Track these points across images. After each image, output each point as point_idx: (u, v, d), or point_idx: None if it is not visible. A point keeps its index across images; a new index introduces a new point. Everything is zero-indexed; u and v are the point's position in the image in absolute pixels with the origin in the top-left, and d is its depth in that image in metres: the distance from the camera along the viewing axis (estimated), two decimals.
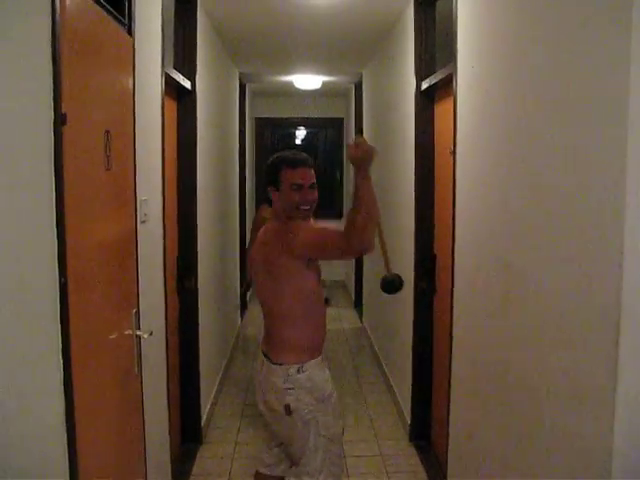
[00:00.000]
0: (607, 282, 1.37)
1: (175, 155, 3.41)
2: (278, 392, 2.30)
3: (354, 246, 2.07)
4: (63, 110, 1.47)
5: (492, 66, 2.22)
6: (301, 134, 9.07)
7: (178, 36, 3.42)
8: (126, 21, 2.08)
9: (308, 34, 4.59)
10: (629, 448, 1.35)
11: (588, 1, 1.51)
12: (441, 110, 3.31)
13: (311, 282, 2.35)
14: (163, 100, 2.65)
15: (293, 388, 2.28)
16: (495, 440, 2.17)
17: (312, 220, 2.42)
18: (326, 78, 6.59)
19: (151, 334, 2.16)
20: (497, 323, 2.15)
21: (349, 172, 7.62)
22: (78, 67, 1.62)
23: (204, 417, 3.80)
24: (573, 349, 1.55)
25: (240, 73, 6.24)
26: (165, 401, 2.76)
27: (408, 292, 3.52)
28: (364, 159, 2.09)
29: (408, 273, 3.51)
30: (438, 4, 3.45)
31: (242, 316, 6.43)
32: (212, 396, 4.18)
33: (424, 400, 3.65)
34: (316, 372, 2.33)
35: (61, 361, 1.49)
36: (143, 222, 2.32)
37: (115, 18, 1.98)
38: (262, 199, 3.32)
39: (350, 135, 7.73)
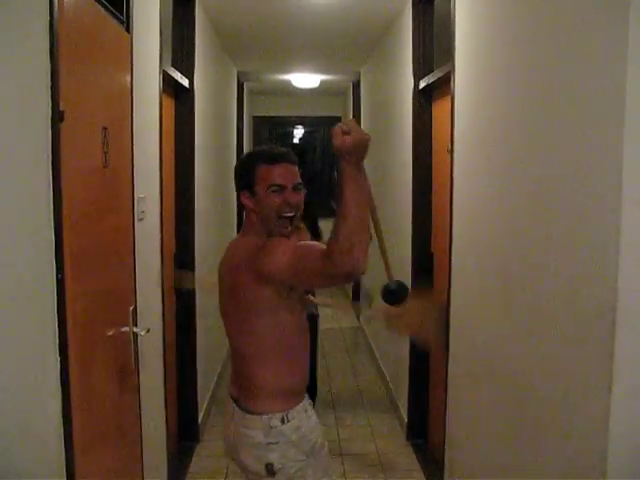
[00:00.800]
0: (603, 281, 1.37)
1: (173, 153, 3.41)
2: (257, 448, 1.85)
3: (338, 267, 1.53)
4: (61, 107, 1.47)
5: (490, 65, 2.23)
6: (299, 133, 9.08)
7: (176, 34, 3.42)
8: (124, 18, 2.08)
9: (306, 32, 4.59)
10: (624, 448, 1.35)
11: (585, 0, 1.51)
12: (439, 109, 3.31)
13: (290, 315, 1.86)
14: (161, 98, 2.65)
15: (277, 442, 1.83)
16: (492, 439, 2.17)
17: (298, 235, 1.94)
18: (324, 77, 6.60)
19: (148, 331, 2.16)
20: (494, 321, 2.15)
21: None
22: (76, 64, 1.62)
23: (201, 415, 3.79)
24: (569, 348, 1.55)
25: (238, 71, 6.24)
26: (162, 399, 2.76)
27: None
28: (356, 148, 1.51)
29: (405, 272, 3.51)
30: (436, 3, 3.45)
31: None
32: (209, 394, 4.18)
33: (421, 399, 3.66)
34: (304, 420, 1.89)
35: (58, 358, 1.49)
36: (140, 219, 2.32)
37: (113, 15, 1.98)
38: None
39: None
